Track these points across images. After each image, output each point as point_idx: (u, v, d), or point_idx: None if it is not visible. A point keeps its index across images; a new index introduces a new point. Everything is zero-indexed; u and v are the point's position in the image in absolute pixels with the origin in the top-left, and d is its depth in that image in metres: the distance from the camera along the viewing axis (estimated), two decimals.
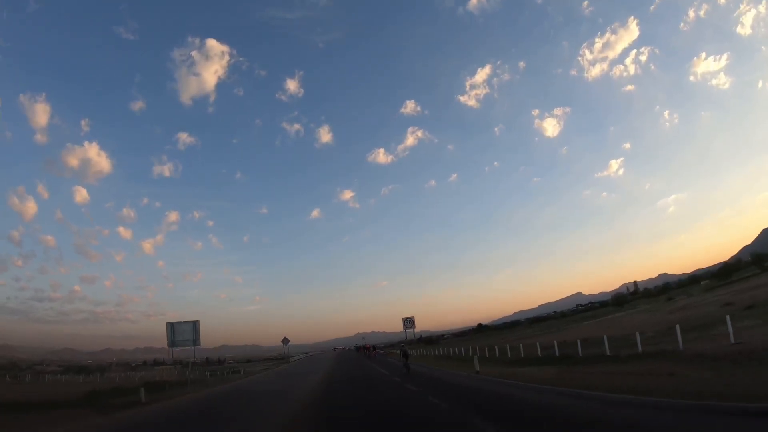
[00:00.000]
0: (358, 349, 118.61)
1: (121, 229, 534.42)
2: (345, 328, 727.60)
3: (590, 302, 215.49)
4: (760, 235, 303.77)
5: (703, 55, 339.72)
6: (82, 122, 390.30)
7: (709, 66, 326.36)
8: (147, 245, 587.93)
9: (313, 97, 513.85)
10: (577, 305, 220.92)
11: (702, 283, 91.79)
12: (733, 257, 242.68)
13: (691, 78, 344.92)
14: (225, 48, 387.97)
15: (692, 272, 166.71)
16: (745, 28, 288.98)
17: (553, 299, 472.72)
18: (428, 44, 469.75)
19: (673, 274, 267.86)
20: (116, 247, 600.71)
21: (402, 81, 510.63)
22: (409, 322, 52.10)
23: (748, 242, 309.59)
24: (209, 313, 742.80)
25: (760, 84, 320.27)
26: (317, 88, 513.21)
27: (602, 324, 55.27)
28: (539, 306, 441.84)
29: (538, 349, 30.65)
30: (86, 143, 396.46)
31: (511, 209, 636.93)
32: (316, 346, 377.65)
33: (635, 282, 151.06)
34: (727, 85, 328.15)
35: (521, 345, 35.35)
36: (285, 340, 54.60)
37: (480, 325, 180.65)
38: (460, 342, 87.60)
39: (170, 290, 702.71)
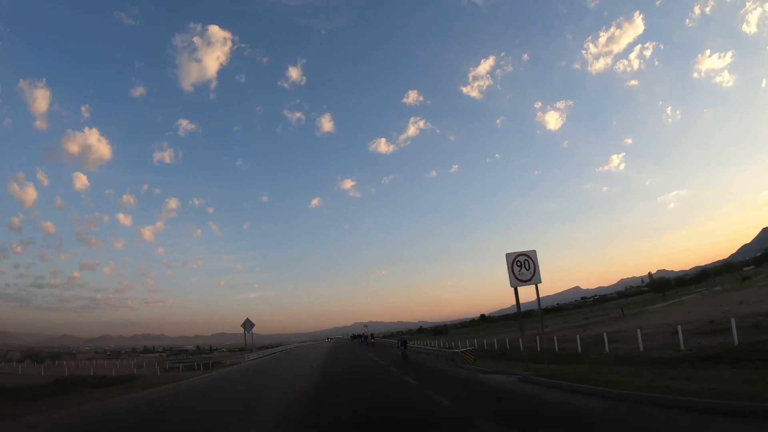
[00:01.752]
0: (354, 337, 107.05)
1: (121, 215, 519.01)
2: (343, 317, 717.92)
3: (595, 295, 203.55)
4: (760, 234, 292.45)
5: (708, 52, 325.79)
6: (83, 108, 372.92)
7: (713, 63, 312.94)
8: (147, 232, 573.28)
9: (315, 85, 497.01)
10: (581, 298, 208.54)
11: (745, 269, 78.68)
12: (732, 255, 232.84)
13: (695, 75, 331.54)
14: (227, 34, 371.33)
15: (690, 269, 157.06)
16: (750, 27, 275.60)
17: (551, 293, 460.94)
18: (432, 34, 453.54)
19: (671, 271, 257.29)
20: (116, 234, 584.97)
21: (405, 71, 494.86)
22: (525, 264, 19.66)
23: (748, 241, 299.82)
24: (209, 301, 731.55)
25: (763, 83, 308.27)
26: (319, 76, 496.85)
27: (688, 307, 39.31)
28: (536, 299, 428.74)
29: (681, 342, 17.11)
30: (86, 129, 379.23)
31: (512, 201, 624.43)
32: (314, 335, 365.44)
33: (650, 273, 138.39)
34: (730, 83, 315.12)
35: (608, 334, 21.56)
36: (247, 324, 37.93)
37: (483, 315, 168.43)
38: (472, 333, 74.24)
39: (170, 277, 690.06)
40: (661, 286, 69.34)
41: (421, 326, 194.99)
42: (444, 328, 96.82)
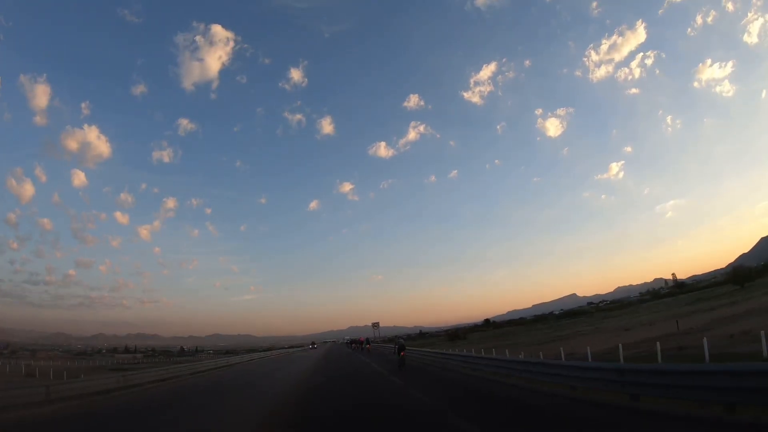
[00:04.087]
0: (351, 344, 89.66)
1: (118, 214, 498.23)
2: (339, 321, 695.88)
3: (603, 300, 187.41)
4: (758, 243, 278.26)
5: (709, 61, 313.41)
6: (83, 105, 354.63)
7: (714, 73, 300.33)
8: (144, 231, 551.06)
9: (316, 88, 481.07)
10: (588, 303, 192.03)
11: None
12: (730, 264, 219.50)
13: (696, 84, 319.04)
14: (230, 34, 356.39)
15: (688, 278, 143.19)
16: (751, 37, 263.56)
17: (548, 300, 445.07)
18: (434, 39, 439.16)
19: (669, 280, 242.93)
20: (113, 232, 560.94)
21: (407, 75, 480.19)
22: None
23: (746, 250, 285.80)
24: (204, 302, 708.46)
25: (764, 93, 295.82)
26: (321, 78, 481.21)
27: None
28: (533, 306, 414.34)
29: None
30: (86, 126, 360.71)
31: (511, 208, 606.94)
32: (310, 339, 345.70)
33: (674, 274, 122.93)
34: (731, 93, 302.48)
35: None
36: None
37: (487, 320, 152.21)
38: (499, 339, 57.62)
39: (165, 277, 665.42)
40: (742, 277, 54.90)
41: (420, 330, 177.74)
42: (463, 333, 78.91)
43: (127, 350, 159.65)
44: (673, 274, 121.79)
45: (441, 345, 56.83)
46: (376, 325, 55.91)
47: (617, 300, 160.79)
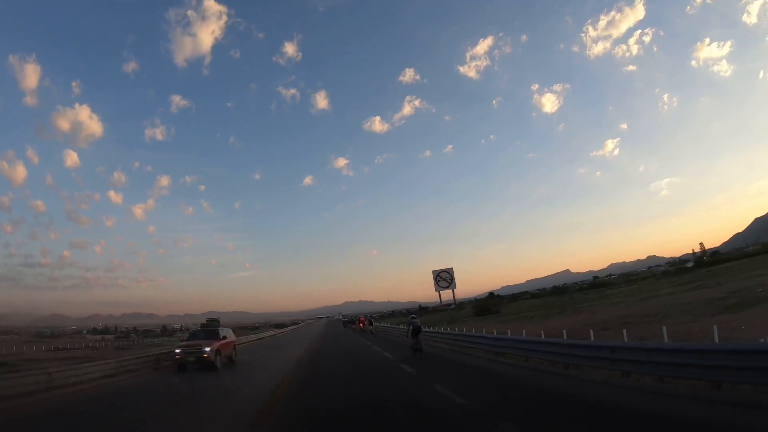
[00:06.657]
0: (347, 323, 79.10)
1: (111, 193, 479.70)
2: (334, 297, 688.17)
3: (611, 274, 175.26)
4: (752, 223, 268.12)
5: (707, 40, 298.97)
6: (73, 84, 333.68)
7: (711, 52, 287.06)
8: (138, 210, 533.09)
9: (310, 62, 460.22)
10: (594, 277, 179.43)
11: None
12: (724, 244, 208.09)
13: (693, 63, 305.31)
14: (223, 8, 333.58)
15: (681, 256, 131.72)
16: (750, 17, 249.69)
17: (541, 275, 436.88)
18: (430, 12, 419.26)
19: (662, 257, 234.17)
20: (107, 212, 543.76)
21: (402, 48, 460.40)
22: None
23: (740, 230, 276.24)
24: (199, 279, 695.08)
25: (761, 74, 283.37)
26: (316, 52, 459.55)
27: None
28: (527, 281, 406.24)
29: None
30: (77, 106, 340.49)
31: (505, 183, 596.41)
32: (303, 314, 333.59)
33: (701, 243, 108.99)
34: (728, 73, 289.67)
35: None
36: None
37: (491, 293, 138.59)
38: (547, 309, 42.53)
39: (161, 256, 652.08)
40: None
41: (420, 305, 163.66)
42: (495, 307, 62.55)
43: (106, 330, 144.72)
44: (701, 243, 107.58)
45: (466, 322, 41.33)
46: (445, 275, 24.62)
47: (627, 273, 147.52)
